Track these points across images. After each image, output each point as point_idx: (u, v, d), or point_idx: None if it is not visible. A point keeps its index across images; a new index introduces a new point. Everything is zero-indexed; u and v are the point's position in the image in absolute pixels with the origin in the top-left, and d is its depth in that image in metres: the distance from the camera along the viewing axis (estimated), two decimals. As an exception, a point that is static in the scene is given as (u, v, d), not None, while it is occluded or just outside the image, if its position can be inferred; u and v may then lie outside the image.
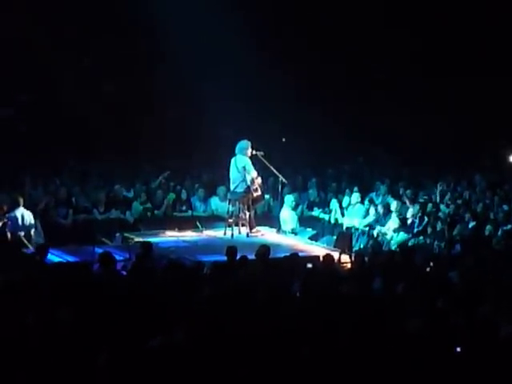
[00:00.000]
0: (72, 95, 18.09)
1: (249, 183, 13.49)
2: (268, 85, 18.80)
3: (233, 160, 13.59)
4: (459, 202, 14.77)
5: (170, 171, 15.97)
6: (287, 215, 14.41)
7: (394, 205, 14.41)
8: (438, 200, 15.08)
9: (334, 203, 15.20)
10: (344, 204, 15.16)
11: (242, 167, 13.45)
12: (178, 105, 19.20)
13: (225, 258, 10.38)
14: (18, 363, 6.33)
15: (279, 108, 19.48)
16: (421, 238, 13.51)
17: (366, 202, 14.95)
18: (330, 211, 15.16)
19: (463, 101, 19.07)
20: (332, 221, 15.02)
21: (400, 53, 19.57)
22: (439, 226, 13.50)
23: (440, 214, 14.11)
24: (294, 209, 14.68)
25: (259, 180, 13.68)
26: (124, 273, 10.06)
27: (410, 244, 13.14)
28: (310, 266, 10.51)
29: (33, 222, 12.96)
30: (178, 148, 18.10)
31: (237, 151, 13.59)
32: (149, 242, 11.04)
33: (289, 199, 14.53)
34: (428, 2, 19.04)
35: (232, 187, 13.69)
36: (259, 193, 13.76)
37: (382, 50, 19.54)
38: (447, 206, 14.61)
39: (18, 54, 17.66)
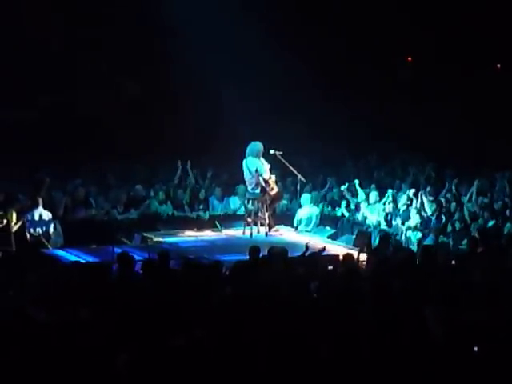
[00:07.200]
0: (91, 95, 18.17)
1: (263, 184, 13.45)
2: (288, 84, 18.80)
3: (244, 162, 13.52)
4: (484, 200, 14.62)
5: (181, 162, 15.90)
6: (307, 213, 14.39)
7: (413, 203, 14.34)
8: (466, 199, 14.84)
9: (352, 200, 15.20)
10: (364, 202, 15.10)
11: (255, 170, 13.41)
12: (198, 104, 19.20)
13: (244, 258, 10.23)
14: (36, 364, 6.34)
15: (300, 106, 19.43)
16: (441, 236, 13.43)
17: (387, 200, 14.86)
18: (350, 209, 15.13)
19: (486, 98, 18.94)
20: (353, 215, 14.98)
21: (424, 51, 19.48)
22: (459, 224, 13.41)
23: (464, 212, 13.99)
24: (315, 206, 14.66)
25: (273, 178, 13.63)
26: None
27: (429, 242, 13.07)
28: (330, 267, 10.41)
29: (52, 222, 13.01)
30: (197, 147, 18.11)
31: (248, 153, 13.51)
32: (165, 251, 10.38)
33: (306, 198, 14.50)
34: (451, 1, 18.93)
35: (249, 188, 13.69)
36: (276, 190, 13.73)
37: (405, 49, 19.47)
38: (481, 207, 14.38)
39: (37, 56, 17.73)
